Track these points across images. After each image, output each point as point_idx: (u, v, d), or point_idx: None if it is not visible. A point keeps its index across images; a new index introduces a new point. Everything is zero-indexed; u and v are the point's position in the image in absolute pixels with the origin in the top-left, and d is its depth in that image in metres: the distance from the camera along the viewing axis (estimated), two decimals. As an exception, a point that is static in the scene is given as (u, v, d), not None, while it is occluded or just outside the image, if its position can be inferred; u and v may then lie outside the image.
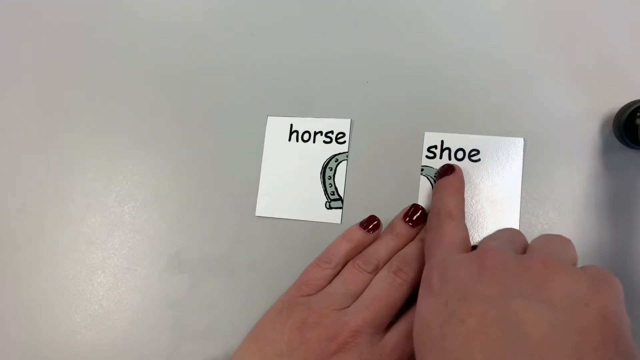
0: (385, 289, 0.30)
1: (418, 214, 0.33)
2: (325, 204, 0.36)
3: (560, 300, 0.22)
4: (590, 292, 0.22)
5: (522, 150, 0.34)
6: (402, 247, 0.32)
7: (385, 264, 0.32)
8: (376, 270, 0.31)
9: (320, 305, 0.30)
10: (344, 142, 0.37)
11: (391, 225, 0.34)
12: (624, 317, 0.22)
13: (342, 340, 0.29)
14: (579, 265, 0.26)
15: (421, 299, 0.27)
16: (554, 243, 0.26)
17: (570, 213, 0.33)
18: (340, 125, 0.37)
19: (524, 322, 0.21)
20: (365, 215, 0.35)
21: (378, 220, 0.34)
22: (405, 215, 0.33)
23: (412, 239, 0.33)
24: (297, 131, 0.38)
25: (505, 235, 0.28)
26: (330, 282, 0.32)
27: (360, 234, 0.33)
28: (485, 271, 0.24)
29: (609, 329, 0.21)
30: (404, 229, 0.33)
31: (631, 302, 0.31)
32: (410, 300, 0.31)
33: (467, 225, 0.33)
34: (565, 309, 0.21)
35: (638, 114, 0.30)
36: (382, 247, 0.32)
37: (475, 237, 0.33)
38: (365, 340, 0.29)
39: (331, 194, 0.36)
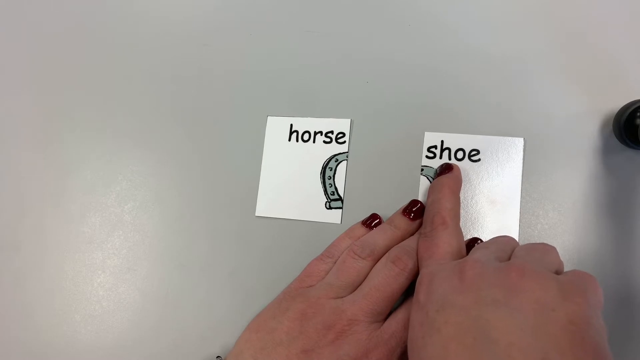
0: (383, 278, 0.30)
1: (417, 207, 0.33)
2: (325, 204, 0.36)
3: (529, 306, 0.23)
4: (559, 299, 0.23)
5: (522, 150, 0.34)
6: (401, 240, 0.33)
7: (383, 253, 0.32)
8: (372, 256, 0.32)
9: (317, 296, 0.31)
10: (344, 142, 0.37)
11: (390, 218, 0.34)
12: (594, 322, 0.22)
13: (339, 328, 0.29)
14: (569, 268, 0.26)
15: (411, 310, 0.27)
16: (536, 251, 0.27)
17: (570, 213, 0.33)
18: (340, 125, 0.37)
19: (494, 328, 0.22)
20: (366, 216, 0.35)
21: (380, 218, 0.34)
22: (405, 210, 0.33)
23: (411, 234, 0.33)
24: (297, 131, 0.38)
25: (495, 245, 0.28)
26: None
27: (362, 231, 0.34)
28: (464, 282, 0.25)
29: (576, 331, 0.22)
30: (402, 222, 0.33)
31: (631, 302, 0.31)
32: (411, 289, 0.31)
33: (467, 225, 0.33)
34: (534, 315, 0.22)
35: (638, 114, 0.30)
36: (379, 235, 0.33)
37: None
38: (362, 328, 0.29)
39: (331, 194, 0.36)
